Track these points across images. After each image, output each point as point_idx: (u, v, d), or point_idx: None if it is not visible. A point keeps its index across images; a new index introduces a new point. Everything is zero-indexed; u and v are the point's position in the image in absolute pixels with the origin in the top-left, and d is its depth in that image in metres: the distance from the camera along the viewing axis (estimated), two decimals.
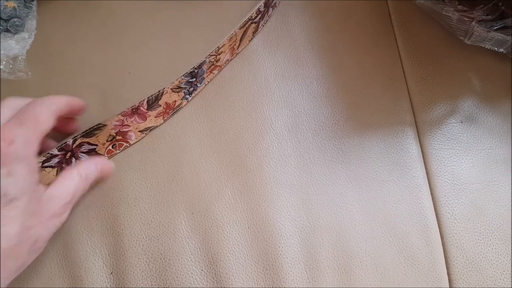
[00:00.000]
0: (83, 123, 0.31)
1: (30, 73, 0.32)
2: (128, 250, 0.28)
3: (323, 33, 0.36)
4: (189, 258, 0.28)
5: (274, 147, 0.32)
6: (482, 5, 0.31)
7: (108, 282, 0.27)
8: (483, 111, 0.34)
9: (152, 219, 0.29)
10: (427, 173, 0.32)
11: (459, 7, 0.32)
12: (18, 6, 0.33)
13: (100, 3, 0.36)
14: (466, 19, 0.31)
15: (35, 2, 0.34)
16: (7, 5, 0.32)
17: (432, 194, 0.31)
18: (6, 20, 0.32)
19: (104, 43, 0.35)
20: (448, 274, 0.29)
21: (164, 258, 0.28)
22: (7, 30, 0.32)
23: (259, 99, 0.33)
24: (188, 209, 0.29)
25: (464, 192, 0.31)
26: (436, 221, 0.30)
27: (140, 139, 0.31)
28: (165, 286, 0.27)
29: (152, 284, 0.27)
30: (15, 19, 0.32)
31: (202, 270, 0.28)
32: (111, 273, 0.27)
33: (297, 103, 0.34)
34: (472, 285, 0.29)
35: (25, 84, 0.32)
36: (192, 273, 0.28)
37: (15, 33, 0.32)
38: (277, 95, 0.34)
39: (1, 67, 0.31)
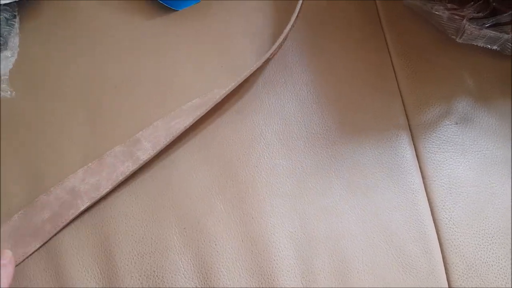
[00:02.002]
0: (70, 141, 0.31)
1: (14, 92, 0.32)
2: (120, 268, 0.27)
3: (310, 36, 0.36)
4: (182, 274, 0.28)
5: (266, 157, 0.31)
6: (472, 3, 0.31)
7: None
8: (478, 111, 0.34)
9: (144, 235, 0.28)
10: (423, 178, 0.31)
11: (449, 5, 0.31)
12: (0, 24, 0.32)
13: (84, 20, 0.36)
14: (456, 17, 0.31)
15: (17, 20, 0.33)
16: None
17: (428, 199, 0.31)
18: None
19: (89, 58, 0.34)
20: (448, 280, 0.28)
21: (157, 275, 0.27)
22: None
23: (248, 107, 0.33)
24: (179, 224, 0.29)
25: (462, 196, 0.31)
26: (434, 227, 0.30)
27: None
28: None
29: None
30: None
31: (196, 286, 0.27)
32: None
33: (287, 111, 0.33)
34: None
35: (9, 103, 0.32)
36: None
37: None
38: (266, 102, 0.33)
39: None
